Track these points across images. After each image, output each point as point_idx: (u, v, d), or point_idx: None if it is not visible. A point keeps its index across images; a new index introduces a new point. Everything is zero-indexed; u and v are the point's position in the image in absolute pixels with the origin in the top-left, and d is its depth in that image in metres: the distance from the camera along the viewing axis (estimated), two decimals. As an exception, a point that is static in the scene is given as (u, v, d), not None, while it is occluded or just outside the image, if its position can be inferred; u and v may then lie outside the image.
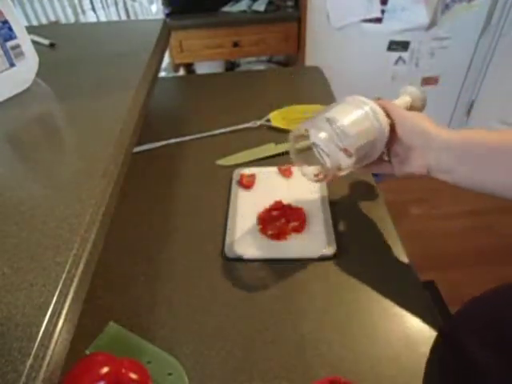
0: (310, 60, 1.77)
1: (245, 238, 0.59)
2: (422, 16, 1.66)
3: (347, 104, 0.52)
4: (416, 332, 0.47)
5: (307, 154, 0.54)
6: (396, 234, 0.60)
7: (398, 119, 0.50)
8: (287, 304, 0.51)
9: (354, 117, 0.50)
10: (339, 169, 0.51)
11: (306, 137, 0.53)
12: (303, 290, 0.53)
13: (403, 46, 1.78)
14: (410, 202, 1.82)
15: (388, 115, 0.50)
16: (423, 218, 1.77)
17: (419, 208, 1.80)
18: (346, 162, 0.50)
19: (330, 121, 0.49)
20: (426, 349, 0.46)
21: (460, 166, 0.44)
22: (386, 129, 0.50)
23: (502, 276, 1.47)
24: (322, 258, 0.56)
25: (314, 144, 0.53)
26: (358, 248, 0.58)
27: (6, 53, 0.56)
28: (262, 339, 0.48)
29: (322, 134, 0.49)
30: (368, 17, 1.69)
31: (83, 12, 1.71)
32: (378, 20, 1.70)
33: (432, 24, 1.70)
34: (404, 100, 0.56)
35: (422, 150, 0.47)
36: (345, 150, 0.49)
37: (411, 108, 0.56)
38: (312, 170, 0.54)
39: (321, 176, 0.53)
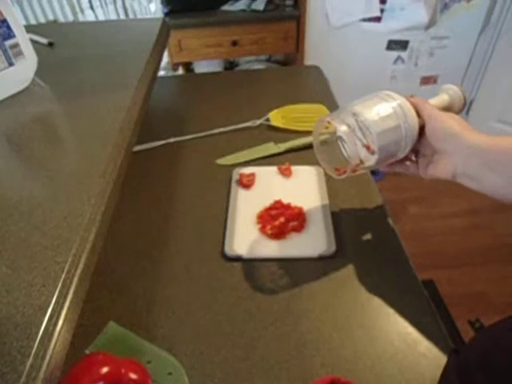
0: (309, 59, 1.77)
1: (244, 238, 0.59)
2: (421, 15, 1.66)
3: (377, 99, 0.49)
4: (415, 331, 0.47)
5: (330, 148, 0.53)
6: (395, 232, 0.60)
7: (428, 119, 0.47)
8: (287, 303, 0.51)
9: (380, 114, 0.47)
10: (360, 165, 0.49)
11: (330, 130, 0.51)
12: (303, 289, 0.53)
13: (402, 45, 1.78)
14: (409, 201, 1.82)
15: (419, 114, 0.48)
16: (422, 217, 1.77)
17: (418, 207, 1.81)
18: (368, 159, 0.48)
19: (355, 115, 0.47)
20: (425, 347, 0.46)
21: (491, 174, 0.42)
22: (415, 129, 0.48)
23: (502, 275, 1.48)
24: (322, 258, 0.56)
25: (339, 138, 0.51)
26: (358, 247, 0.58)
27: (4, 52, 0.56)
28: (262, 338, 0.48)
29: (344, 128, 0.47)
30: (367, 16, 1.69)
31: (82, 11, 1.71)
32: (377, 19, 1.70)
33: (431, 23, 1.70)
34: (442, 98, 0.53)
35: (451, 153, 0.45)
36: (367, 147, 0.47)
37: (449, 108, 0.53)
38: (333, 164, 0.52)
39: (341, 171, 0.51)
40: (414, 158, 0.53)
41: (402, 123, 0.47)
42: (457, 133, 0.44)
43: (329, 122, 0.49)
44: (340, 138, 0.51)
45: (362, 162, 0.48)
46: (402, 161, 0.52)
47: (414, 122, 0.48)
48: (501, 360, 0.33)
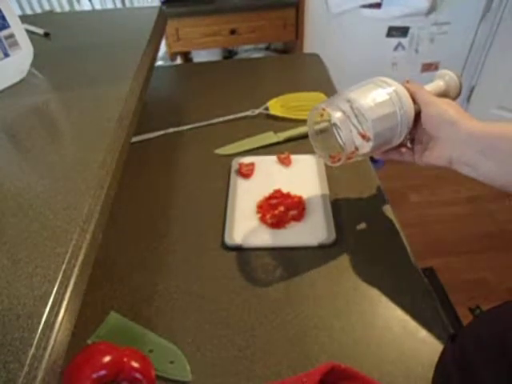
0: (309, 47, 1.75)
1: (244, 227, 0.59)
2: (422, 1, 1.64)
3: (372, 85, 0.48)
4: (415, 318, 0.48)
5: (325, 135, 0.52)
6: (395, 221, 0.60)
7: (423, 105, 0.46)
8: (287, 292, 0.52)
9: (376, 100, 0.46)
10: (355, 152, 0.48)
11: (325, 117, 0.51)
12: (303, 277, 0.53)
13: (403, 31, 1.76)
14: (409, 189, 1.82)
15: (414, 100, 0.47)
16: (423, 205, 1.77)
17: (419, 195, 1.81)
18: (364, 146, 0.48)
19: (350, 101, 0.46)
20: (424, 334, 0.46)
21: (487, 162, 0.42)
22: (411, 115, 0.47)
23: (502, 262, 1.48)
24: (322, 246, 0.56)
25: (334, 125, 0.50)
26: (358, 236, 0.58)
27: (-1, 42, 0.55)
28: (263, 327, 0.48)
29: (339, 115, 0.46)
30: (367, 2, 1.67)
31: (78, 0, 1.69)
32: (377, 5, 1.68)
33: (431, 9, 1.68)
34: (437, 84, 0.52)
35: (446, 140, 0.45)
36: (362, 135, 0.47)
37: (445, 94, 0.52)
38: (328, 151, 0.52)
39: (336, 158, 0.51)
40: (409, 144, 0.52)
41: (397, 109, 0.46)
42: (453, 119, 0.44)
43: (323, 109, 0.48)
44: (335, 125, 0.50)
45: (357, 149, 0.48)
46: (397, 148, 0.52)
47: (410, 108, 0.47)
48: (494, 344, 0.34)
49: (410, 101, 0.47)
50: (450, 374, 0.38)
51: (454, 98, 0.52)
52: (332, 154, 0.51)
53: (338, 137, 0.51)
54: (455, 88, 0.52)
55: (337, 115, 0.46)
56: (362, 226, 0.60)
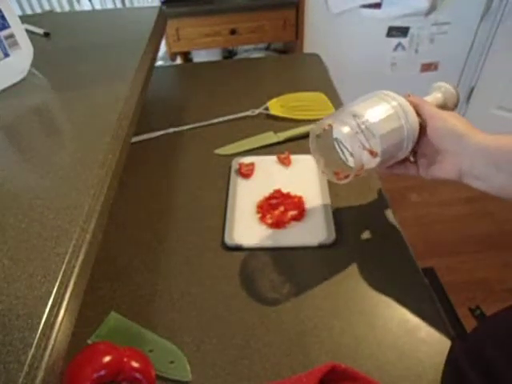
0: (309, 47, 1.75)
1: (244, 227, 0.59)
2: (422, 1, 1.64)
3: (376, 99, 0.47)
4: (415, 318, 0.48)
5: (327, 150, 0.51)
6: (395, 221, 0.60)
7: (429, 118, 0.46)
8: (287, 292, 0.52)
9: (382, 115, 0.45)
10: (362, 168, 0.47)
11: (328, 131, 0.49)
12: (303, 277, 0.53)
13: (403, 31, 1.76)
14: (409, 190, 1.82)
15: (418, 114, 0.47)
16: (422, 205, 1.77)
17: (418, 195, 1.81)
18: (370, 162, 0.47)
19: (356, 117, 0.45)
20: (424, 334, 0.46)
21: (498, 174, 0.41)
22: (416, 129, 0.46)
23: (502, 262, 1.48)
24: (322, 246, 0.56)
25: (336, 140, 0.49)
26: (357, 236, 0.58)
27: (-1, 42, 0.55)
28: (263, 326, 0.48)
29: (346, 130, 0.45)
30: (367, 2, 1.67)
31: (78, 0, 1.69)
32: (377, 5, 1.68)
33: (432, 9, 1.68)
34: (435, 97, 0.52)
35: (455, 154, 0.44)
36: (370, 151, 0.46)
37: (443, 106, 0.52)
38: (331, 167, 0.51)
39: (341, 175, 0.50)
40: (412, 158, 0.52)
41: (403, 123, 0.46)
42: (461, 132, 0.43)
43: (329, 125, 0.47)
44: (337, 140, 0.49)
45: (363, 165, 0.47)
46: (401, 162, 0.52)
47: (415, 121, 0.46)
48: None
49: (415, 114, 0.47)
50: (464, 375, 0.38)
51: (453, 109, 0.52)
52: (335, 170, 0.50)
53: (340, 153, 0.50)
54: (452, 99, 0.52)
55: (345, 131, 0.45)
56: (362, 226, 0.59)
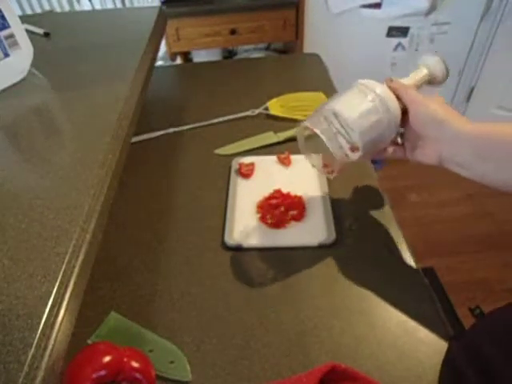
0: (309, 47, 1.75)
1: (244, 227, 0.59)
2: (422, 1, 1.64)
3: (356, 92, 0.47)
4: (415, 318, 0.48)
5: (317, 142, 0.50)
6: (395, 221, 0.60)
7: (409, 104, 0.46)
8: (287, 292, 0.52)
9: (360, 109, 0.45)
10: (347, 161, 0.48)
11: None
12: (303, 277, 0.53)
13: (403, 31, 1.76)
14: (408, 189, 1.82)
15: (399, 99, 0.47)
16: (422, 205, 1.77)
17: (418, 195, 1.80)
18: (353, 156, 0.47)
19: (335, 114, 0.46)
20: (424, 334, 0.46)
21: (480, 162, 0.41)
22: (398, 117, 0.46)
23: (502, 262, 1.48)
24: (322, 246, 0.56)
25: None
26: (357, 236, 0.58)
27: (-1, 42, 0.55)
28: (263, 326, 0.48)
29: (323, 132, 0.45)
30: (367, 2, 1.67)
31: (78, 0, 1.69)
32: (377, 5, 1.67)
33: (432, 9, 1.68)
34: (422, 73, 0.51)
35: (435, 140, 0.44)
36: (351, 148, 0.46)
37: (430, 81, 0.51)
38: (320, 161, 0.52)
39: (329, 169, 0.50)
40: (399, 140, 0.52)
41: (383, 115, 0.46)
42: (441, 118, 0.43)
43: (307, 128, 0.48)
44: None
45: (346, 159, 0.47)
46: (388, 146, 0.51)
47: (396, 109, 0.46)
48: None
49: (396, 103, 0.46)
50: (462, 374, 0.38)
51: (442, 82, 0.51)
52: (326, 162, 0.51)
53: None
54: (441, 72, 0.51)
55: (322, 133, 0.45)
56: (362, 226, 0.59)
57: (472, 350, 0.39)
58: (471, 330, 0.42)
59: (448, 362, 0.41)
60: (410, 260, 0.54)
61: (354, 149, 0.47)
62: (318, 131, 0.46)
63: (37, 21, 0.78)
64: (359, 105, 0.46)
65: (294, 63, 1.09)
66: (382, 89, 0.47)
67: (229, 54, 1.96)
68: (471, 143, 0.41)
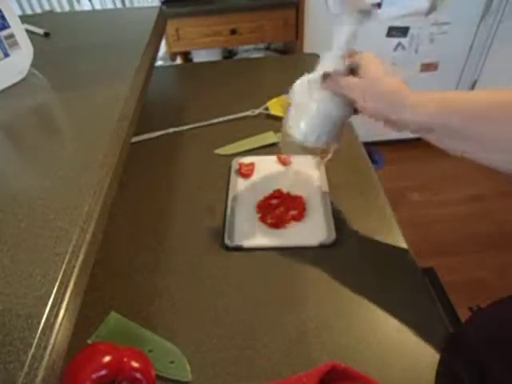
0: (309, 47, 1.75)
1: (244, 227, 0.59)
2: (422, 1, 1.64)
3: (300, 104, 0.52)
4: (415, 318, 0.48)
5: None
6: (395, 221, 0.60)
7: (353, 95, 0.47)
8: (287, 292, 0.52)
9: (308, 121, 0.51)
10: (328, 151, 0.55)
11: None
12: (303, 277, 0.53)
13: (403, 31, 1.76)
14: (409, 189, 1.82)
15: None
16: (422, 205, 1.77)
17: (419, 195, 1.80)
18: (330, 149, 0.54)
19: (292, 136, 0.52)
20: (424, 334, 0.46)
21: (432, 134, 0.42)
22: (345, 103, 0.49)
23: (502, 262, 1.48)
24: (322, 246, 0.56)
25: None
26: (358, 236, 0.58)
27: (-1, 42, 0.55)
28: (263, 326, 0.48)
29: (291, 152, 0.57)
30: (367, 2, 1.67)
31: (78, 0, 1.69)
32: (377, 5, 1.67)
33: (432, 9, 1.67)
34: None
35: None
36: (322, 156, 0.52)
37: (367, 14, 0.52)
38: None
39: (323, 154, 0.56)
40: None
41: (329, 114, 0.49)
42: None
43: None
44: None
45: (326, 153, 0.55)
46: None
47: (340, 102, 0.49)
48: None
49: (336, 98, 0.49)
50: (457, 375, 0.38)
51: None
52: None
53: None
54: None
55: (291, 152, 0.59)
56: (362, 226, 0.59)
57: (466, 350, 0.39)
58: (465, 329, 0.42)
59: (444, 362, 0.42)
60: (409, 260, 0.54)
61: (325, 152, 0.54)
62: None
63: (37, 21, 0.78)
64: (305, 117, 0.51)
65: (294, 63, 1.09)
66: (321, 94, 0.50)
67: (229, 54, 1.96)
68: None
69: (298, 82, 0.55)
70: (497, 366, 0.34)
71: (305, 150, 0.54)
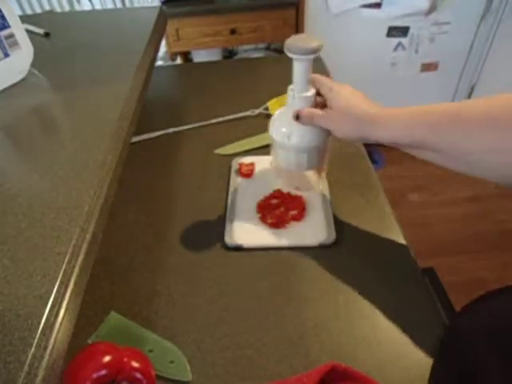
0: (309, 47, 1.74)
1: (245, 227, 0.59)
2: (422, 1, 1.64)
3: (281, 147, 0.56)
4: (415, 318, 0.48)
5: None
6: (395, 221, 0.60)
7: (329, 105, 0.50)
8: (287, 292, 0.52)
9: (292, 163, 0.57)
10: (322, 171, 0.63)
11: None
12: (303, 277, 0.53)
13: (403, 31, 1.76)
14: (409, 189, 1.82)
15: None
16: (423, 205, 1.77)
17: (419, 195, 1.81)
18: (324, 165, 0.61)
19: (280, 163, 0.59)
20: (424, 334, 0.46)
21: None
22: (323, 133, 0.52)
23: (502, 262, 1.48)
24: (322, 246, 0.56)
25: None
26: (358, 236, 0.58)
27: (-1, 42, 0.56)
28: (263, 326, 0.48)
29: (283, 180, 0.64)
30: (367, 2, 1.67)
31: (78, 0, 1.69)
32: (377, 5, 1.67)
33: (432, 9, 1.68)
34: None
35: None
36: (317, 174, 0.61)
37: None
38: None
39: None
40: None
41: (310, 145, 0.53)
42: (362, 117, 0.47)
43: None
44: None
45: (321, 169, 0.62)
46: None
47: (317, 131, 0.52)
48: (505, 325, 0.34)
49: (314, 129, 0.52)
50: (449, 374, 0.38)
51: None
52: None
53: None
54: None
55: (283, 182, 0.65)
56: (362, 226, 0.59)
57: (467, 351, 0.39)
58: (459, 326, 0.43)
59: (438, 365, 0.42)
60: (410, 260, 0.54)
61: (320, 171, 0.61)
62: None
63: (37, 21, 0.79)
64: (287, 161, 0.58)
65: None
66: (295, 138, 0.53)
67: (229, 54, 1.96)
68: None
69: (276, 116, 0.57)
70: (492, 360, 0.34)
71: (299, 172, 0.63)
